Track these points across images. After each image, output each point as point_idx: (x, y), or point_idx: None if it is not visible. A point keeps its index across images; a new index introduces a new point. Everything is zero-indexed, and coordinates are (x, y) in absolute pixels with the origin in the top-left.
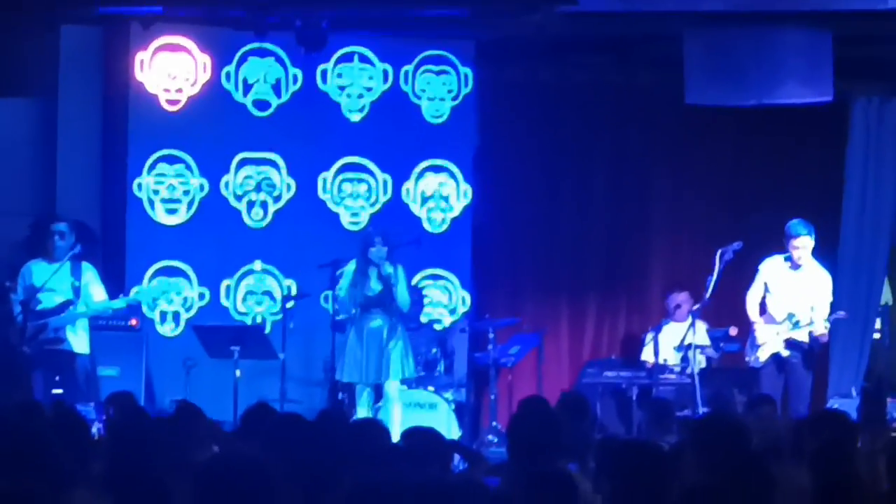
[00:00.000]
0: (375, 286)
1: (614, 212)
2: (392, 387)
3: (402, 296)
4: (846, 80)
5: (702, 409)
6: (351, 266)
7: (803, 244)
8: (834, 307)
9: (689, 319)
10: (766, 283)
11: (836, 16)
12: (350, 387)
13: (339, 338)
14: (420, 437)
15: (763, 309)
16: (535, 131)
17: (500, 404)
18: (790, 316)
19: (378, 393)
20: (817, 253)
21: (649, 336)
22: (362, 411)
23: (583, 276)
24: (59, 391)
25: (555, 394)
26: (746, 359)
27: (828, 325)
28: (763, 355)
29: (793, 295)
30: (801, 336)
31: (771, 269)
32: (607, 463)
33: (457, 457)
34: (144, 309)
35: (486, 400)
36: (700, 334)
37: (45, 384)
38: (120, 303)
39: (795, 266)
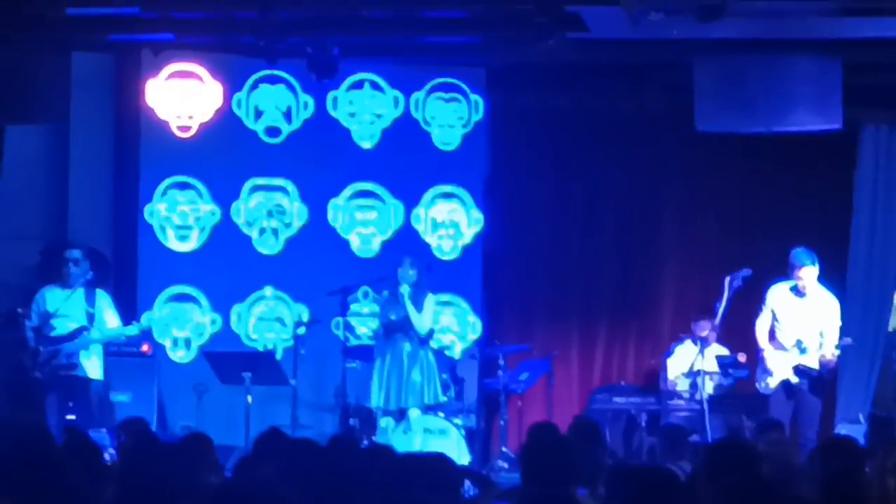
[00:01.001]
0: (399, 311)
1: (624, 238)
2: (414, 414)
3: (418, 320)
4: (855, 107)
5: (711, 436)
6: (385, 293)
7: (807, 274)
8: (842, 333)
9: (699, 346)
10: (773, 311)
11: (845, 44)
12: (361, 412)
13: (352, 364)
14: (430, 463)
15: (772, 336)
16: (545, 158)
17: (510, 430)
18: (798, 343)
19: (402, 416)
20: (825, 279)
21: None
22: (386, 436)
23: (593, 302)
24: (73, 416)
25: (565, 419)
26: (756, 385)
27: (837, 350)
28: (773, 382)
29: (800, 322)
30: (811, 362)
31: (777, 296)
32: (618, 489)
33: (467, 482)
34: (159, 336)
35: (497, 426)
36: (709, 360)
37: (58, 409)
38: (133, 329)
39: (801, 294)
